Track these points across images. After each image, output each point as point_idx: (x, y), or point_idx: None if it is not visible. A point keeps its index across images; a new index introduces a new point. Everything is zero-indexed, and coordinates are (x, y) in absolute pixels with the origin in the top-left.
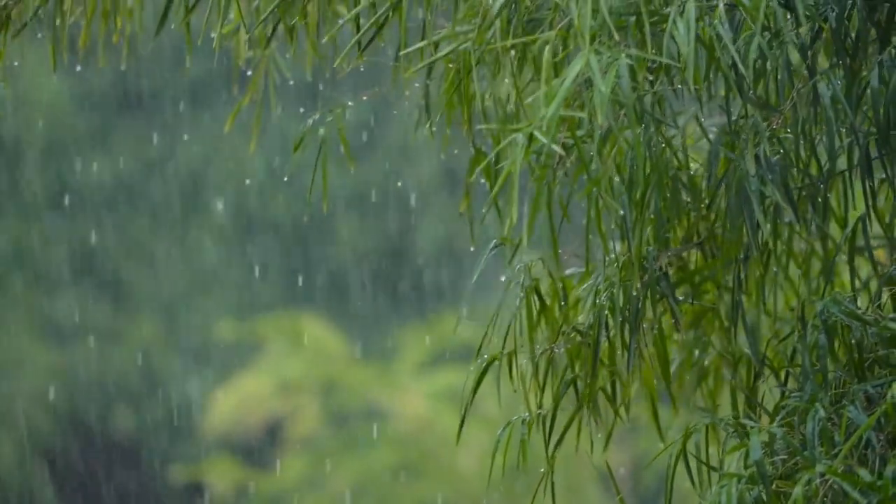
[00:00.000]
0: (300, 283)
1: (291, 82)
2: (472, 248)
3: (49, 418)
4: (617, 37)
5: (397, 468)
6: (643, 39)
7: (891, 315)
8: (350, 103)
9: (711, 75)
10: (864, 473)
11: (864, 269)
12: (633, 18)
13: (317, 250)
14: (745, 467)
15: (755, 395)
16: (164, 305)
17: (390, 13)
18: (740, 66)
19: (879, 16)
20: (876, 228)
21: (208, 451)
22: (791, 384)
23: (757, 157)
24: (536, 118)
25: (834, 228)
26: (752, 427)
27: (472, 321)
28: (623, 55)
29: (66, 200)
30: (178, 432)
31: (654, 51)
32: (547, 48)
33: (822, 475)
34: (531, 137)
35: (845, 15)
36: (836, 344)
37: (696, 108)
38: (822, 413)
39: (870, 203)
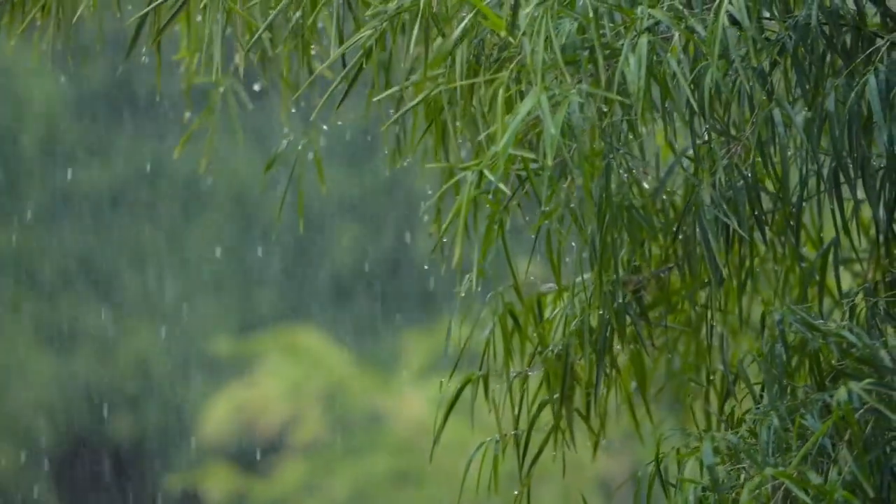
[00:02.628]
0: (299, 290)
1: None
2: (442, 274)
3: (47, 425)
4: (569, 78)
5: (397, 474)
6: (598, 72)
7: (845, 322)
8: (325, 127)
9: (668, 106)
10: (812, 476)
11: (844, 284)
12: (586, 53)
13: (317, 257)
14: (702, 475)
15: (731, 410)
16: (161, 312)
17: (364, 61)
18: (692, 100)
19: (837, 41)
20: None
21: (205, 458)
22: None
23: (714, 185)
24: (486, 156)
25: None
26: (707, 435)
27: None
28: (574, 92)
29: (65, 206)
30: (176, 439)
31: (606, 85)
32: (501, 88)
33: (775, 479)
34: (481, 175)
35: (805, 41)
36: (798, 355)
37: (654, 133)
38: (776, 422)
39: (838, 227)
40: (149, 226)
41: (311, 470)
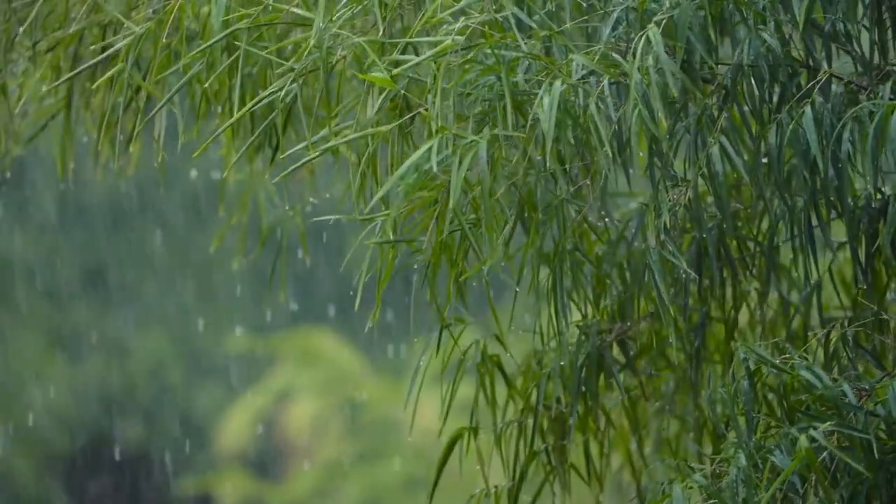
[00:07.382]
0: (312, 297)
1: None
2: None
3: (62, 431)
4: (454, 129)
5: (410, 481)
6: (506, 121)
7: (803, 361)
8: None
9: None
10: None
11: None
12: (501, 102)
13: (327, 263)
14: None
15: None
16: (176, 319)
17: (281, 116)
18: (606, 144)
19: (791, 83)
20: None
21: (219, 463)
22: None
23: (663, 228)
24: (389, 209)
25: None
26: (680, 478)
27: (482, 330)
28: (483, 139)
29: (78, 214)
30: (190, 445)
31: (521, 131)
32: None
33: None
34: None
35: (740, 81)
36: (763, 391)
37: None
38: (743, 461)
39: (809, 269)
40: (161, 232)
41: (324, 475)
